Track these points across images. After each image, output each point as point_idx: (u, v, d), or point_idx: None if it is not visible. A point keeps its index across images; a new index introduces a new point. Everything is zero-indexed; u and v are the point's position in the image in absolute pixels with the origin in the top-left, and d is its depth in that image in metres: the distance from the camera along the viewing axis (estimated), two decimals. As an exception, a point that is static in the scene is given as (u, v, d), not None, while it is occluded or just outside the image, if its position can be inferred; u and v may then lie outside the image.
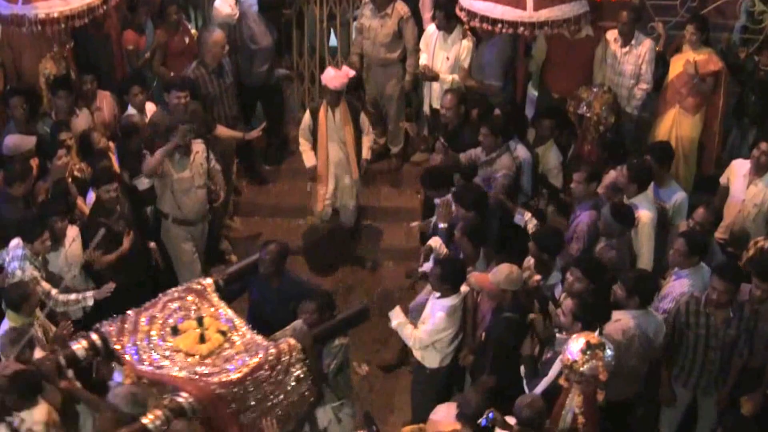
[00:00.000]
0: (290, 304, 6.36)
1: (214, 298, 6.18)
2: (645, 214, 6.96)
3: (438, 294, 6.52)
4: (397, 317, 6.60)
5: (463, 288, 6.50)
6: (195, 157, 7.78)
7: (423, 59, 8.77)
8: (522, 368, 6.06)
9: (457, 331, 6.57)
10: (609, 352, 5.47)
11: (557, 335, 6.03)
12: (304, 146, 8.41)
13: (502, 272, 6.21)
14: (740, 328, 6.21)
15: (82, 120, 8.21)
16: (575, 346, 5.43)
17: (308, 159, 8.42)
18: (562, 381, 5.55)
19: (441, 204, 7.28)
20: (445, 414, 5.80)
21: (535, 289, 6.58)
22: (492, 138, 7.62)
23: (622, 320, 6.11)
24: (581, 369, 5.38)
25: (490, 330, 6.38)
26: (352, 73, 8.23)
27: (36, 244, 6.75)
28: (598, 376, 5.38)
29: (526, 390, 5.95)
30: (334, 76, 8.06)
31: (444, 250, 7.13)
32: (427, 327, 6.50)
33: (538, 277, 6.63)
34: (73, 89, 8.29)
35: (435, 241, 7.22)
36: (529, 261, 6.79)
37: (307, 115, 8.35)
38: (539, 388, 5.83)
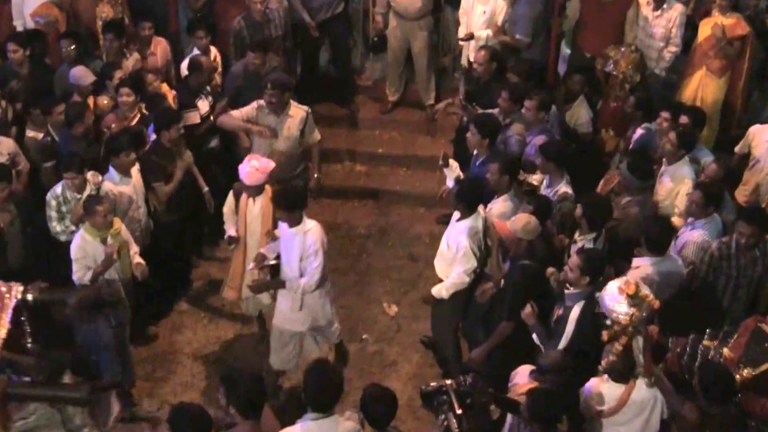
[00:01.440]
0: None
1: (7, 311, 5.52)
2: (688, 179, 7.18)
3: (458, 216, 6.76)
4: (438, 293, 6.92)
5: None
6: (286, 119, 7.65)
7: (461, 30, 9.07)
8: (534, 336, 6.17)
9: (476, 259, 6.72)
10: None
11: (565, 291, 6.10)
12: (228, 222, 7.26)
13: (520, 221, 6.34)
14: (766, 262, 6.57)
15: (131, 63, 8.53)
16: (621, 307, 5.39)
17: (229, 228, 7.23)
18: (623, 341, 5.47)
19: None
20: (522, 377, 5.88)
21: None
22: (510, 104, 7.76)
23: (641, 267, 6.33)
24: (642, 314, 5.40)
25: (506, 277, 6.56)
26: (272, 165, 6.96)
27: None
28: (653, 307, 5.44)
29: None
30: (249, 173, 6.83)
31: (459, 171, 7.38)
32: (457, 256, 6.68)
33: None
34: (122, 33, 8.59)
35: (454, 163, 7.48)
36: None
37: (230, 197, 7.20)
38: (560, 347, 6.01)
